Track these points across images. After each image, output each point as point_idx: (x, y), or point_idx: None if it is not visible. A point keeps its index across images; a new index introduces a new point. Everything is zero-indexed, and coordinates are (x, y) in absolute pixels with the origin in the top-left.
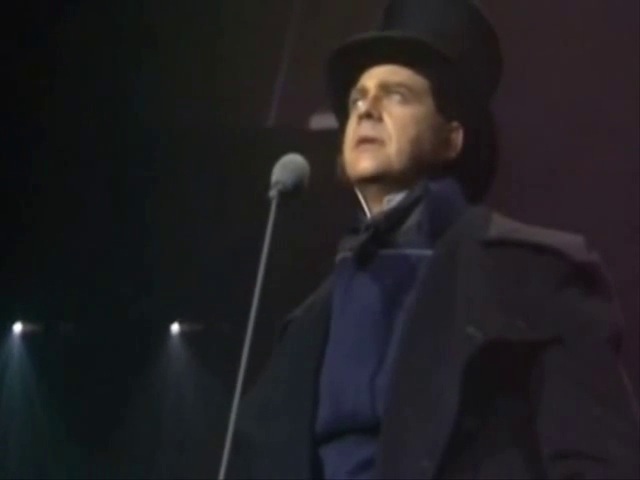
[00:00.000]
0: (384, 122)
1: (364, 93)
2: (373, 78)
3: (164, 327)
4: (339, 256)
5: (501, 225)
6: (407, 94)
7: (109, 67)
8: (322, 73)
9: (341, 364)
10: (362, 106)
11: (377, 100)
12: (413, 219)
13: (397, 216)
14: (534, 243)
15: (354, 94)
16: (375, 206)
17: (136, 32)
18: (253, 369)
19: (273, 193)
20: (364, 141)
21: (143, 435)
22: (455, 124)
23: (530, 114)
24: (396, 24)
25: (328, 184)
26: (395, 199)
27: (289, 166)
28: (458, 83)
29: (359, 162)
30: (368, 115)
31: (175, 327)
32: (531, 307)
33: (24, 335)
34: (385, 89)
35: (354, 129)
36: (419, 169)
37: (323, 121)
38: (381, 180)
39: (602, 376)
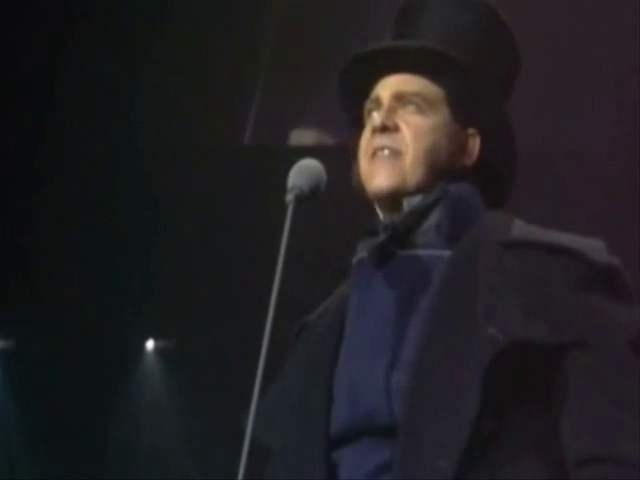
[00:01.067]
0: (400, 132)
1: (379, 103)
2: (387, 88)
3: (139, 344)
4: (356, 257)
5: (522, 228)
6: (422, 104)
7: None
8: (337, 82)
9: (356, 365)
10: (377, 117)
11: (392, 111)
12: (432, 220)
13: (415, 217)
14: (555, 245)
15: (368, 104)
16: (392, 214)
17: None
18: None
19: (290, 198)
20: (380, 150)
21: (119, 451)
22: (471, 130)
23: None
24: (410, 29)
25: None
26: (413, 201)
27: (305, 171)
28: (474, 90)
29: (374, 178)
30: (384, 128)
31: (150, 343)
32: (552, 309)
33: None
34: (400, 99)
35: (369, 140)
36: (435, 177)
37: (300, 138)
38: (395, 194)
39: (623, 379)
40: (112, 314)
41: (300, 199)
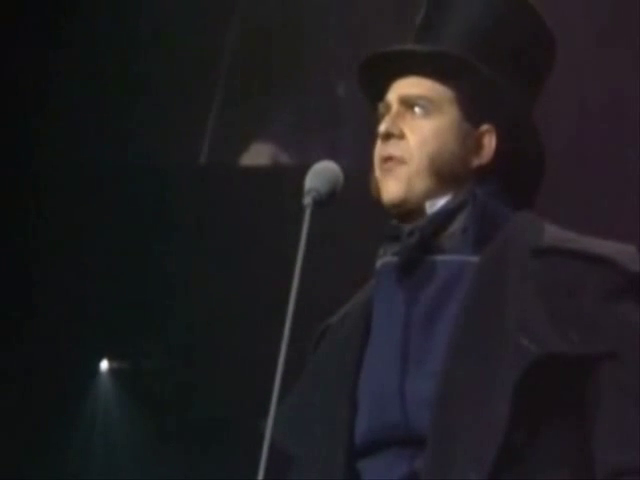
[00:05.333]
0: (406, 139)
1: (388, 108)
2: (395, 92)
3: (93, 364)
4: (380, 261)
5: (552, 233)
6: (428, 106)
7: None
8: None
9: (380, 375)
10: (383, 124)
11: (398, 116)
12: (458, 224)
13: (440, 220)
14: (587, 253)
15: (381, 108)
16: (412, 222)
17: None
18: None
19: (307, 201)
20: (386, 160)
21: (72, 472)
22: (485, 127)
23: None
24: (432, 23)
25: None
26: (437, 204)
27: (322, 173)
28: (487, 90)
29: (383, 188)
30: (388, 135)
31: (104, 364)
32: (585, 320)
33: None
34: (406, 103)
35: (378, 148)
36: (446, 181)
37: (256, 158)
38: (406, 202)
39: None
40: (65, 334)
41: (318, 202)
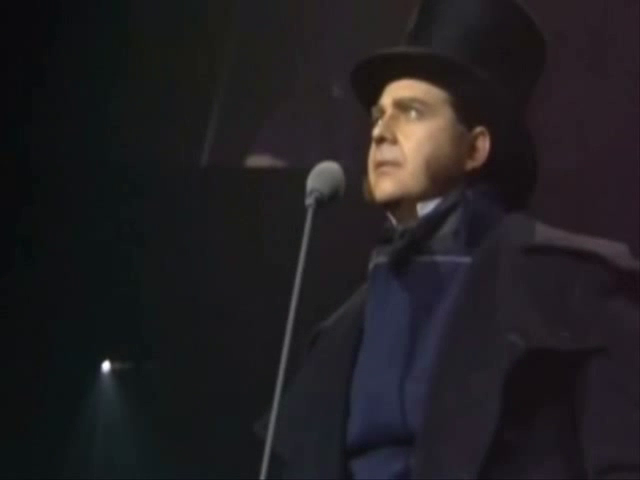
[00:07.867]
0: (399, 143)
1: (382, 112)
2: (389, 95)
3: (94, 365)
4: (372, 263)
5: (543, 232)
6: (422, 109)
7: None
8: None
9: (374, 374)
10: (376, 128)
11: (392, 120)
12: (449, 226)
13: (432, 222)
14: (577, 250)
15: (375, 112)
16: (406, 221)
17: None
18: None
19: (310, 201)
20: (381, 165)
21: (73, 473)
22: (479, 129)
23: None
24: (425, 26)
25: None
26: (429, 206)
27: (324, 174)
28: (481, 92)
29: (377, 187)
30: (381, 139)
31: (106, 365)
32: (575, 316)
33: None
34: (400, 106)
35: (372, 152)
36: (441, 183)
37: (259, 159)
38: (400, 201)
39: None
40: (67, 334)
41: (320, 202)
